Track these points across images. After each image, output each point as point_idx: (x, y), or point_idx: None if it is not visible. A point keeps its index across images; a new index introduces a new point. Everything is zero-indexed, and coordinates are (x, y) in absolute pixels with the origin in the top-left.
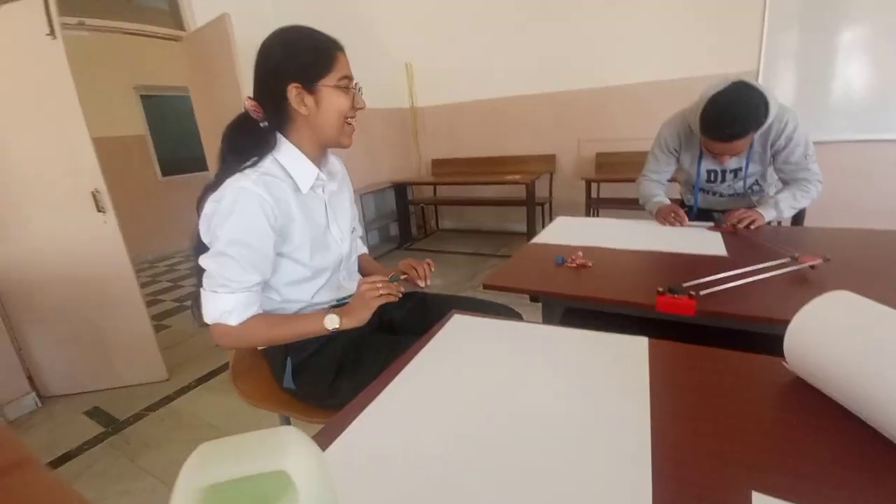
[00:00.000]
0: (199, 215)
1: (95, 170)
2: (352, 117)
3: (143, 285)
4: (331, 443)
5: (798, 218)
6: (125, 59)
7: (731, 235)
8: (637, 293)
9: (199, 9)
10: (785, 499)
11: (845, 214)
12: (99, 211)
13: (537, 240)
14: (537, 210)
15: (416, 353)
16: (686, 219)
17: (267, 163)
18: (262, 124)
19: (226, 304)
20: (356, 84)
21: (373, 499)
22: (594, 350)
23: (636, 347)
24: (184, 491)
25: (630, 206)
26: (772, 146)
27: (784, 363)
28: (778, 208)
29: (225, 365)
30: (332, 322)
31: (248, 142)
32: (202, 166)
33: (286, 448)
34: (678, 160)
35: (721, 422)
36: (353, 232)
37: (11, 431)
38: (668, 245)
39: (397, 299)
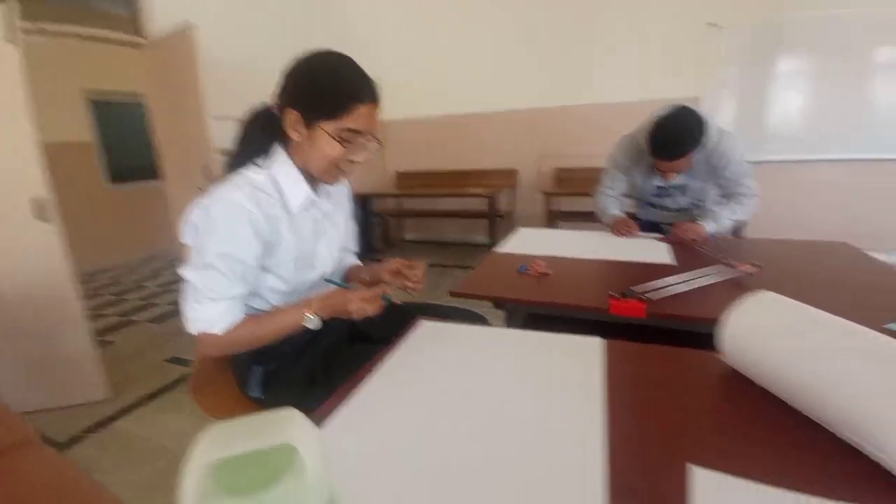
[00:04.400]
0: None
1: (38, 176)
2: (345, 166)
3: (85, 297)
4: None
5: (740, 230)
6: (74, 62)
7: (677, 246)
8: (592, 298)
9: (162, 16)
10: (716, 469)
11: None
12: (40, 220)
13: (500, 249)
14: (499, 222)
15: (381, 360)
16: (637, 230)
17: (262, 177)
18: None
19: (211, 313)
20: (368, 138)
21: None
22: (553, 351)
23: (591, 347)
24: (197, 466)
25: (588, 219)
26: (712, 164)
27: (720, 357)
28: (718, 221)
29: (174, 382)
30: (311, 322)
31: (265, 132)
32: (153, 174)
33: (291, 424)
34: (629, 176)
35: (665, 408)
36: (342, 250)
37: (11, 412)
38: (621, 254)
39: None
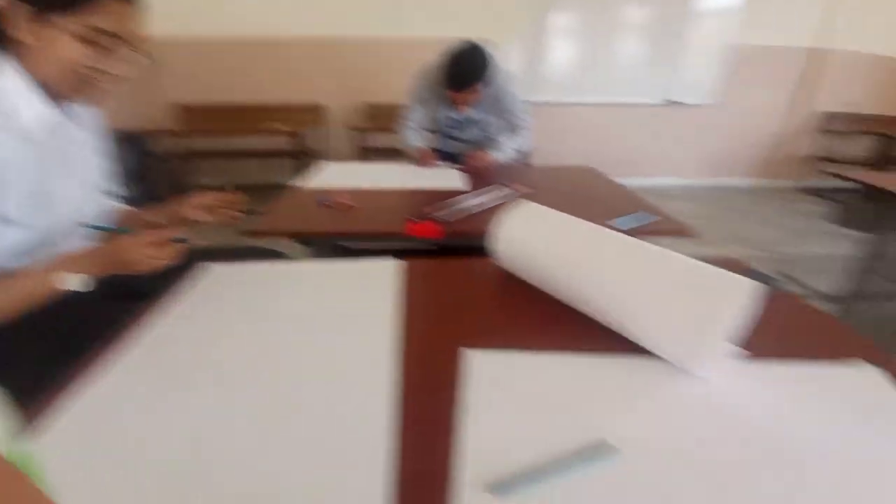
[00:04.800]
0: None
1: None
2: (93, 76)
3: None
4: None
5: (526, 160)
6: None
7: (470, 173)
8: (392, 224)
9: None
10: (485, 348)
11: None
12: None
13: (300, 185)
14: (308, 162)
15: (149, 319)
16: (436, 161)
17: None
18: None
19: None
20: (123, 45)
21: (100, 493)
22: (351, 276)
23: (387, 269)
24: None
25: (399, 155)
26: (495, 99)
27: (495, 261)
28: (503, 150)
29: None
30: (72, 283)
31: None
32: None
33: None
34: (429, 109)
35: (449, 309)
36: (102, 192)
37: None
38: (421, 184)
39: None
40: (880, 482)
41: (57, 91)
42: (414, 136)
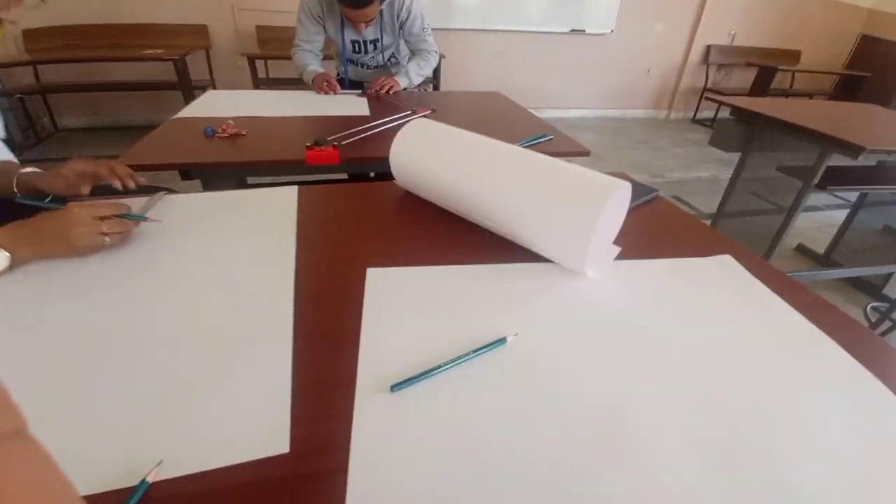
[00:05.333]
0: None
1: None
2: None
3: None
4: None
5: (434, 87)
6: None
7: (374, 100)
8: (289, 152)
9: None
10: (387, 266)
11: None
12: None
13: (182, 114)
14: (198, 95)
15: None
16: (338, 87)
17: None
18: None
19: None
20: None
21: None
22: (250, 205)
23: (287, 195)
24: None
25: (300, 85)
26: (398, 19)
27: (395, 183)
28: (408, 76)
29: None
30: None
31: None
32: None
33: None
34: (325, 29)
35: (351, 232)
36: None
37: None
38: (321, 111)
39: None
40: (742, 347)
41: None
42: (309, 56)
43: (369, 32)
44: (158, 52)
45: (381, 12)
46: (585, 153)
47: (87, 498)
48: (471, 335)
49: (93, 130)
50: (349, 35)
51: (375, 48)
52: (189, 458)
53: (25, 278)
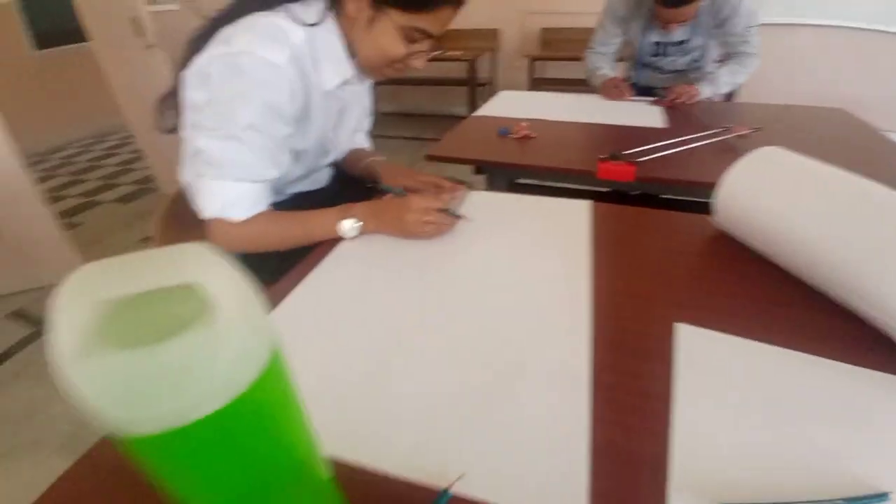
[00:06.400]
0: (186, 59)
1: None
2: (398, 68)
3: (40, 181)
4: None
5: (731, 96)
6: None
7: (670, 109)
8: (579, 161)
9: None
10: (702, 326)
11: (772, 92)
12: None
13: (480, 113)
14: (479, 92)
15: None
16: (629, 92)
17: (300, 37)
18: None
19: (230, 193)
20: (432, 46)
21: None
22: (538, 215)
23: (579, 210)
24: (72, 312)
25: (576, 87)
26: (718, 15)
27: (710, 219)
28: (716, 83)
29: None
30: (351, 228)
31: None
32: (82, 36)
33: (198, 261)
34: (625, 31)
35: (653, 270)
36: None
37: None
38: (610, 118)
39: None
40: None
41: (358, 64)
42: (603, 61)
43: (678, 33)
44: (458, 53)
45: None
46: None
47: (391, 479)
48: (823, 466)
49: (397, 115)
50: (653, 36)
51: (680, 50)
52: (483, 482)
53: (364, 246)
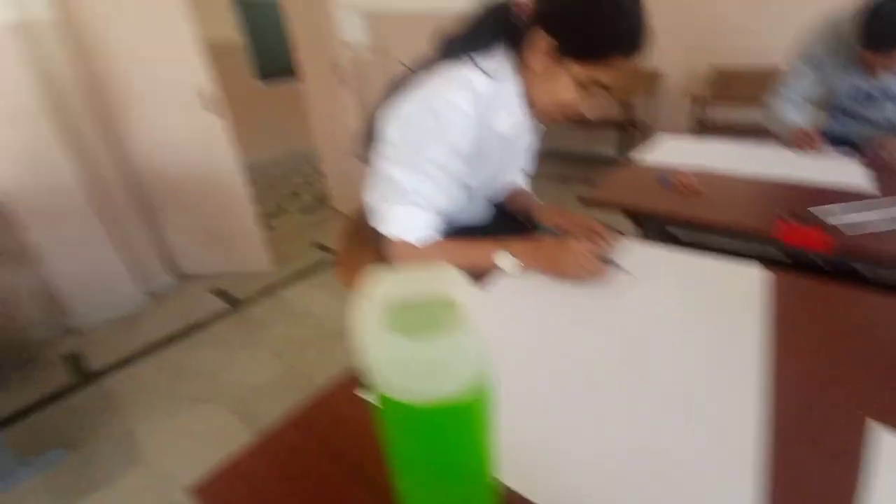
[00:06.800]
0: (385, 99)
1: (202, 71)
2: (568, 113)
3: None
4: None
5: None
6: None
7: (878, 168)
8: (754, 220)
9: None
10: None
11: None
12: (206, 111)
13: (637, 158)
14: (632, 133)
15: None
16: (821, 143)
17: (484, 85)
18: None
19: (412, 219)
20: (608, 93)
21: None
22: (701, 275)
23: (748, 276)
24: (377, 306)
25: (751, 135)
26: None
27: None
28: None
29: (317, 264)
30: (506, 262)
31: (495, 31)
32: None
33: (452, 281)
34: (822, 75)
35: (847, 361)
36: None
37: None
38: (798, 174)
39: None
40: None
41: (531, 109)
42: (792, 108)
43: (885, 79)
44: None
45: None
46: None
47: None
48: None
49: (542, 153)
50: (855, 80)
51: (889, 98)
52: None
53: (521, 283)
